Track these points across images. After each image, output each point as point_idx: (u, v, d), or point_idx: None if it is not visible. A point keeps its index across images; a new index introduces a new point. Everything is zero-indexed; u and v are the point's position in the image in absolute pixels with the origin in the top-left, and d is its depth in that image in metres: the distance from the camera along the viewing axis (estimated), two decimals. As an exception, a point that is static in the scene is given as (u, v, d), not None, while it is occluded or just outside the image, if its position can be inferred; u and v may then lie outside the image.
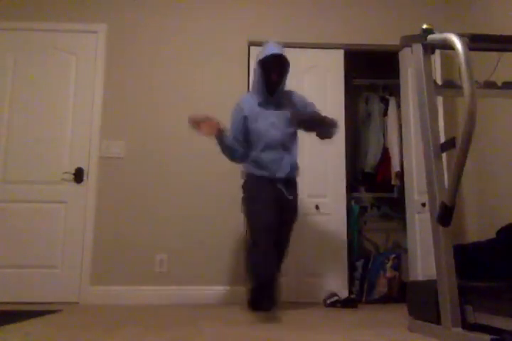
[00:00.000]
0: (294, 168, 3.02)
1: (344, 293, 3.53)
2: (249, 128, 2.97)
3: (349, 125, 4.20)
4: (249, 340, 1.95)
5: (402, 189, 3.97)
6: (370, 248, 4.37)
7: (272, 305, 2.80)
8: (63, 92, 3.72)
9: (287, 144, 2.99)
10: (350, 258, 3.81)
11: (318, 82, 3.87)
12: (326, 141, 3.11)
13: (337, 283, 3.59)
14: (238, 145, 2.97)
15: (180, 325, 2.36)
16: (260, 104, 2.98)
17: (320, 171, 3.75)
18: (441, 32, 2.08)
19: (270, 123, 2.95)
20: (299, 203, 3.10)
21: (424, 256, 3.40)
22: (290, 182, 3.02)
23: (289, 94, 3.06)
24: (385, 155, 4.33)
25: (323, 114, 2.97)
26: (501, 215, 3.18)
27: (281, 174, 2.95)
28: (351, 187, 4.35)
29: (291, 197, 2.99)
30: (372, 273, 3.75)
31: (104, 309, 3.12)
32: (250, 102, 3.00)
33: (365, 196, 4.55)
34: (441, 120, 3.42)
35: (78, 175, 3.61)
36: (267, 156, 2.94)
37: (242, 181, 3.06)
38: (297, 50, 3.77)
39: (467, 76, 1.79)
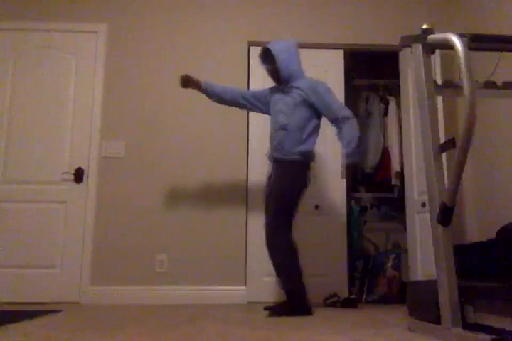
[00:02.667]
0: (284, 146, 2.97)
1: (344, 293, 3.53)
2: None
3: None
4: (249, 340, 1.95)
5: (402, 189, 3.97)
6: (370, 248, 4.37)
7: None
8: (63, 92, 3.72)
9: (290, 126, 2.99)
10: (350, 258, 3.81)
11: (318, 82, 3.86)
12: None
13: (337, 283, 3.60)
14: (229, 94, 3.22)
15: (180, 325, 2.36)
16: (271, 91, 3.19)
17: (320, 171, 3.75)
18: (441, 32, 2.08)
19: (278, 109, 3.07)
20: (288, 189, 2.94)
21: (424, 256, 3.40)
22: (278, 163, 2.99)
23: (302, 80, 3.05)
24: (385, 155, 4.33)
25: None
26: (501, 215, 3.18)
27: (271, 151, 3.05)
28: (351, 187, 4.35)
29: (272, 178, 2.99)
30: (372, 273, 3.75)
31: (104, 309, 3.12)
32: (271, 89, 3.23)
33: (365, 196, 4.55)
34: (441, 120, 3.42)
35: (78, 175, 3.61)
36: (273, 136, 3.07)
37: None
38: (297, 49, 3.78)
39: (467, 76, 1.79)
